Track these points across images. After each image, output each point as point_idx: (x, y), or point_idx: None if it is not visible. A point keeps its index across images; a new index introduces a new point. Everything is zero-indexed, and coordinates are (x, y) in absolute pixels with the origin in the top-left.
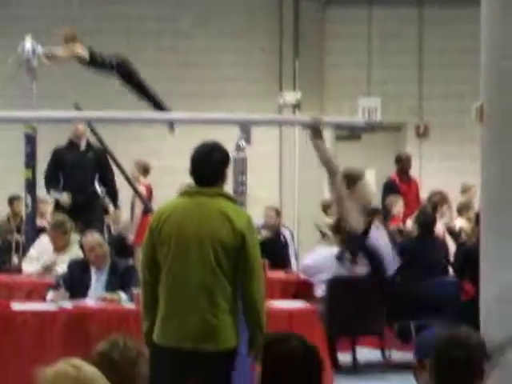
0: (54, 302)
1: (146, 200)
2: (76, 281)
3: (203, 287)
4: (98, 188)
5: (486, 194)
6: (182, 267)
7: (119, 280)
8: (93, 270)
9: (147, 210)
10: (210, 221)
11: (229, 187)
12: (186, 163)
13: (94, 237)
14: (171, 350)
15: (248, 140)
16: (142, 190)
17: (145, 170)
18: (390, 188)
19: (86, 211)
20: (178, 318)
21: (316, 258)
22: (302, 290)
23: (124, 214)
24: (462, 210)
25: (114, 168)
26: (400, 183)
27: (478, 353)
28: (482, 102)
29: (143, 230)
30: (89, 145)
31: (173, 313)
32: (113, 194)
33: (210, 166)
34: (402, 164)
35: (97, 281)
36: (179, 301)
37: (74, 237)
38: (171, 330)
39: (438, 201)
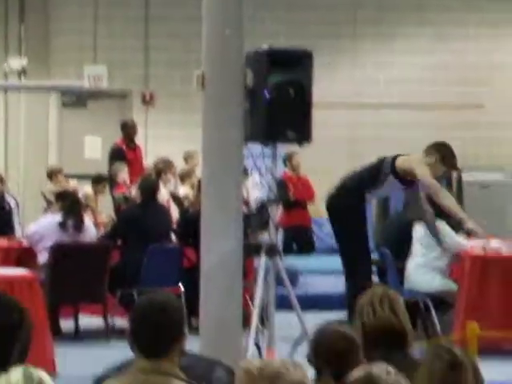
0: None
1: None
2: None
3: None
4: None
5: (207, 161)
6: None
7: None
8: None
9: None
10: None
11: None
12: None
13: None
14: None
15: None
16: None
17: None
18: (116, 155)
19: None
20: None
21: (39, 225)
22: (25, 257)
23: None
24: (185, 176)
25: None
26: (126, 150)
27: (176, 316)
28: (202, 70)
29: None
30: None
31: None
32: None
33: None
34: (128, 131)
35: None
36: None
37: None
38: None
39: (162, 168)
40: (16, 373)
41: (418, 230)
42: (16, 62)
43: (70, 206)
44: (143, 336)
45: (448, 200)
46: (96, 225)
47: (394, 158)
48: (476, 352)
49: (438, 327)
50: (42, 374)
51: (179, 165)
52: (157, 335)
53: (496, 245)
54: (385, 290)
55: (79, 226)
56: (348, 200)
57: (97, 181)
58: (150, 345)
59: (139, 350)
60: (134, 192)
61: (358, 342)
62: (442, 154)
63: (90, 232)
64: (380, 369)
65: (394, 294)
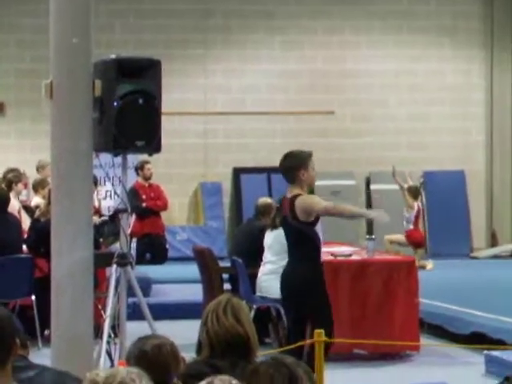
0: None
1: None
2: None
3: None
4: None
5: (57, 171)
6: None
7: None
8: None
9: None
10: None
11: None
12: None
13: None
14: None
15: None
16: None
17: None
18: None
19: None
20: None
21: None
22: None
23: None
24: (37, 186)
25: None
26: None
27: (5, 326)
28: (51, 79)
29: None
30: None
31: None
32: None
33: None
34: None
35: None
36: None
37: None
38: None
39: (13, 178)
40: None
41: (269, 237)
42: None
43: None
44: None
45: (344, 207)
46: None
47: (295, 217)
48: (322, 359)
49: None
50: None
51: (31, 175)
52: None
53: (346, 250)
54: (229, 297)
55: None
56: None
57: None
58: None
59: None
60: None
61: (178, 355)
62: (301, 163)
63: None
64: (223, 381)
65: (238, 302)
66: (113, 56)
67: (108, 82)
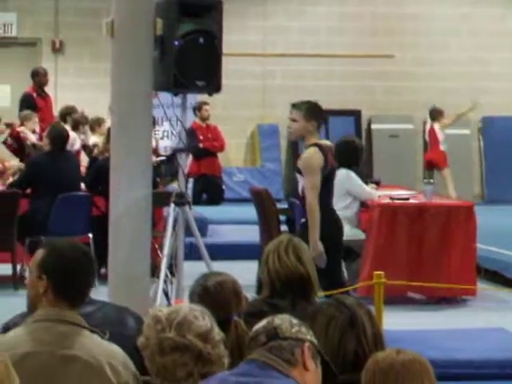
0: None
1: None
2: None
3: None
4: None
5: (117, 110)
6: None
7: None
8: None
9: None
10: None
11: None
12: None
13: None
14: None
15: None
16: None
17: None
18: (26, 103)
19: None
20: None
21: None
22: None
23: None
24: (94, 125)
25: None
26: (37, 98)
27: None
28: (112, 18)
29: None
30: None
31: None
32: None
33: None
34: (39, 79)
35: None
36: None
37: None
38: None
39: (81, 119)
40: None
41: None
42: None
43: None
44: (77, 285)
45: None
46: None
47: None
48: (381, 301)
49: (346, 276)
50: None
51: (88, 113)
52: (86, 283)
53: (404, 194)
54: (290, 238)
55: None
56: None
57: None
58: (79, 293)
59: (68, 299)
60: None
61: (240, 293)
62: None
63: None
64: (283, 320)
65: (299, 241)
66: None
67: (169, 21)
